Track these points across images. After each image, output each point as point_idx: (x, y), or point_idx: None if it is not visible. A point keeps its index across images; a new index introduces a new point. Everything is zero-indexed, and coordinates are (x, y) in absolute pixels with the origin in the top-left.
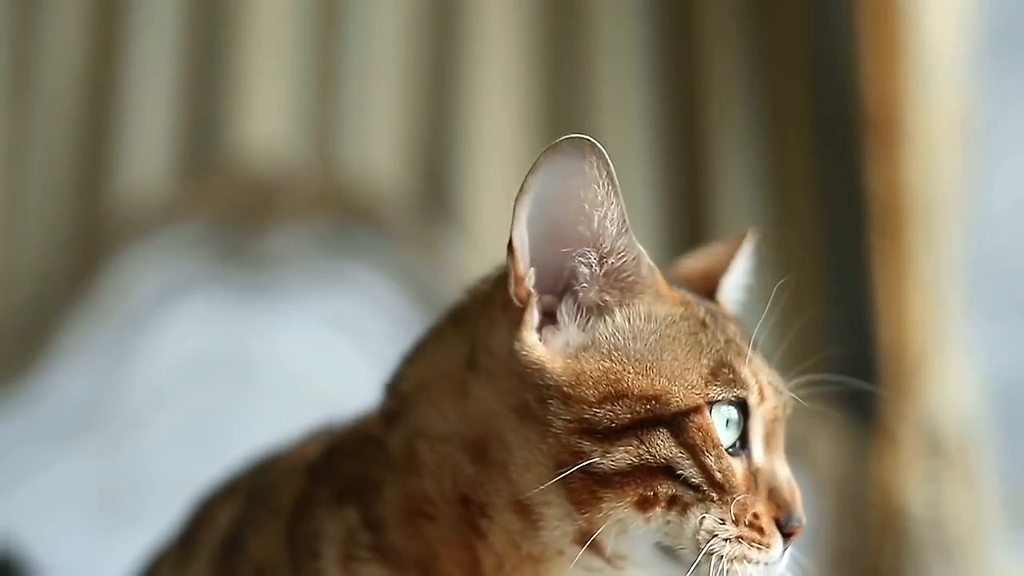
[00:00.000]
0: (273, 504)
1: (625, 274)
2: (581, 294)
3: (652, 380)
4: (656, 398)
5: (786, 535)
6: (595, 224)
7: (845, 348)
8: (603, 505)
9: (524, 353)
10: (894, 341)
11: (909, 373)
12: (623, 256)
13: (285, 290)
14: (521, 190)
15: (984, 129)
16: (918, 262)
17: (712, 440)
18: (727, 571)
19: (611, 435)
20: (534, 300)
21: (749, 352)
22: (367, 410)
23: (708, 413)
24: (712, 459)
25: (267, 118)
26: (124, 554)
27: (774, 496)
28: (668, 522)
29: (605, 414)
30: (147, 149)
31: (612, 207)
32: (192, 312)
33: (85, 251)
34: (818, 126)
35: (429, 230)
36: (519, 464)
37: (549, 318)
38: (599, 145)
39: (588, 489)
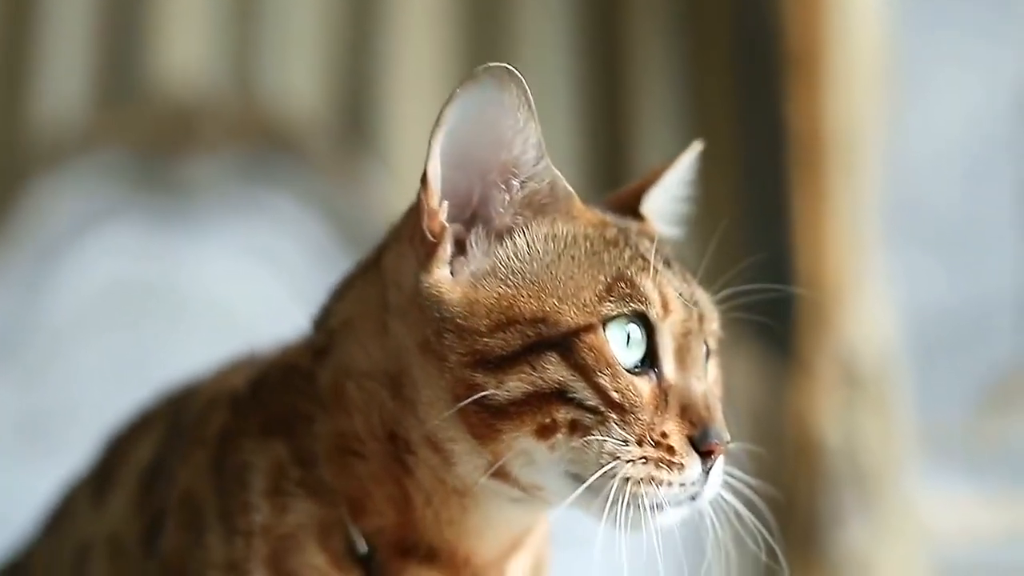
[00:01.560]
0: (198, 434)
1: (540, 198)
2: (496, 221)
3: (543, 302)
4: (545, 320)
5: (703, 453)
6: (515, 151)
7: (763, 277)
8: (503, 436)
9: (427, 286)
10: (812, 272)
11: (826, 304)
12: (541, 180)
13: (204, 218)
14: (437, 122)
15: (905, 62)
16: (837, 194)
17: (605, 359)
18: (635, 495)
19: (504, 364)
20: (448, 234)
21: (659, 266)
22: (290, 340)
23: (602, 331)
24: (607, 379)
25: (186, 45)
26: (45, 485)
27: (688, 413)
28: (572, 448)
29: (497, 343)
30: (65, 77)
31: (531, 133)
32: (110, 241)
33: (1, 180)
34: (739, 59)
35: (349, 159)
36: (424, 401)
37: (459, 248)
38: (517, 72)
39: (485, 422)
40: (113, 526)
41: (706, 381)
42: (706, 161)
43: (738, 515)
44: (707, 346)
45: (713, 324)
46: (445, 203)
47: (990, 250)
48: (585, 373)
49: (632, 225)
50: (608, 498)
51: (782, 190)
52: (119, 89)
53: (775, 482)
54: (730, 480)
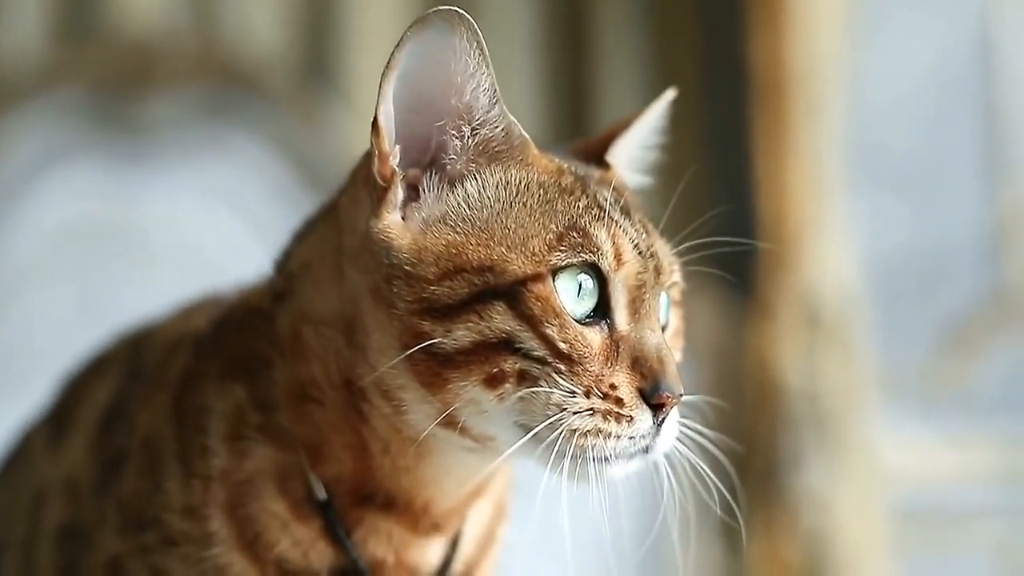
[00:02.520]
0: (159, 377)
1: (494, 144)
2: (449, 167)
3: (491, 250)
4: (492, 268)
5: (654, 406)
6: (467, 96)
7: (725, 220)
8: (451, 386)
9: (376, 231)
10: (774, 214)
11: (788, 246)
12: (495, 127)
13: (164, 157)
14: (388, 66)
15: (867, 4)
16: (799, 136)
17: (553, 309)
18: (583, 446)
19: (451, 313)
20: (398, 178)
21: (616, 216)
22: (253, 281)
23: (550, 281)
24: (554, 329)
25: None
26: (4, 426)
27: (639, 365)
28: (521, 399)
29: (444, 291)
30: (23, 15)
31: (483, 78)
32: (70, 180)
33: None
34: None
35: (310, 98)
36: (375, 348)
37: (414, 192)
38: (468, 16)
39: (433, 371)
40: (69, 469)
41: (660, 333)
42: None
43: (695, 469)
44: (669, 297)
45: (673, 276)
46: (397, 147)
47: (951, 193)
48: (532, 323)
49: (594, 173)
50: (555, 449)
51: (745, 132)
52: (78, 27)
53: (736, 424)
54: (687, 432)
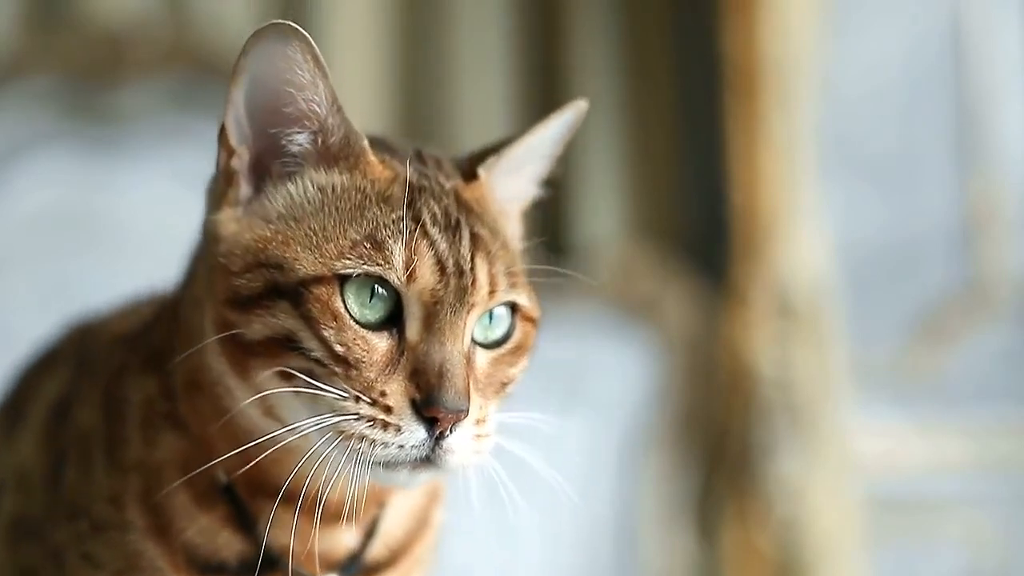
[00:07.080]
0: (98, 373)
1: (330, 149)
2: (282, 168)
3: (288, 248)
4: (281, 266)
5: (428, 419)
6: (302, 104)
7: (698, 208)
8: (255, 374)
9: (208, 223)
10: (746, 202)
11: (761, 234)
12: (331, 133)
13: (136, 146)
14: (233, 72)
15: None
16: (771, 124)
17: (331, 311)
18: (355, 450)
19: (249, 305)
20: (239, 177)
21: (431, 231)
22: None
23: (335, 285)
24: (331, 331)
25: None
26: None
27: (417, 376)
28: (311, 396)
29: (243, 283)
30: None
31: (318, 89)
32: (40, 168)
33: None
34: None
35: None
36: (200, 333)
37: (255, 190)
38: (303, 31)
39: (239, 360)
40: (21, 461)
41: (455, 349)
42: (641, 90)
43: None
44: (512, 311)
45: (481, 292)
46: (244, 148)
47: (924, 183)
48: (311, 324)
49: (446, 185)
50: (333, 449)
51: (718, 121)
52: (50, 15)
53: (709, 411)
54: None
